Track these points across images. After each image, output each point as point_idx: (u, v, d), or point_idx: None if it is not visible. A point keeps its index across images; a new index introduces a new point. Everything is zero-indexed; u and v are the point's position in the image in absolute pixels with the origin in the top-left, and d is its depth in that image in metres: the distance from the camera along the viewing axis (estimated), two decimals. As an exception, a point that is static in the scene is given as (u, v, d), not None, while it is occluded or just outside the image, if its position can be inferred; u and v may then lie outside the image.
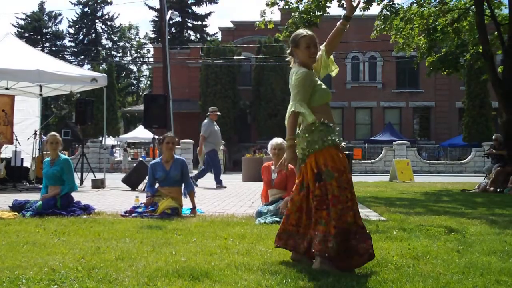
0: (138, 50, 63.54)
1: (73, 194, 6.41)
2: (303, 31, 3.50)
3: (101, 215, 6.11)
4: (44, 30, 56.62)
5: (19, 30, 54.77)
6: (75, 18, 57.22)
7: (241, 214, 6.24)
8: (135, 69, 63.25)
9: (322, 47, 3.54)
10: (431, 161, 27.56)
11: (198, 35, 53.89)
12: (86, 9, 57.15)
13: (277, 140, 5.60)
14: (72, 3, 55.81)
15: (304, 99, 3.30)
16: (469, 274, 3.08)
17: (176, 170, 6.25)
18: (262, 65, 31.47)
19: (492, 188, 10.77)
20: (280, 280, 2.92)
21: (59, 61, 12.51)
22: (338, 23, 3.50)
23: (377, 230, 4.82)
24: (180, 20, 52.64)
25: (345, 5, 3.49)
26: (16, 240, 4.21)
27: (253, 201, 8.16)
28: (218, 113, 12.02)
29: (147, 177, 7.21)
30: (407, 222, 5.43)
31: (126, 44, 63.18)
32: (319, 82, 3.44)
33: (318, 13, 11.68)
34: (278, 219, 5.07)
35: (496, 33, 12.53)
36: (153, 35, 56.43)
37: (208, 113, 11.74)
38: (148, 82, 60.45)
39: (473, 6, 12.52)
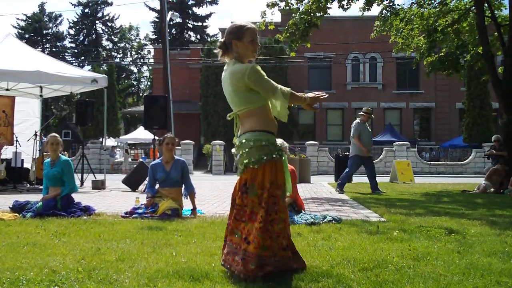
0: (139, 51, 63.61)
1: (73, 195, 6.42)
2: (246, 23, 3.18)
3: (101, 216, 6.11)
4: (44, 31, 56.66)
5: (20, 31, 54.84)
6: (75, 19, 57.30)
7: (241, 215, 6.23)
8: (135, 70, 63.37)
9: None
10: (431, 162, 27.55)
11: (198, 36, 53.93)
12: (86, 10, 57.21)
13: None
14: (72, 4, 55.95)
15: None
16: (470, 275, 3.08)
17: (177, 171, 6.25)
18: (262, 66, 31.37)
19: (492, 189, 10.77)
20: (281, 281, 2.92)
21: (59, 62, 12.53)
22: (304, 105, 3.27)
23: (377, 231, 4.82)
24: (181, 21, 52.70)
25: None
26: (16, 241, 4.21)
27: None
28: (372, 116, 10.99)
29: (147, 178, 7.22)
30: (407, 223, 5.43)
31: (127, 45, 63.22)
32: None
33: (319, 14, 11.69)
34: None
35: (496, 34, 12.53)
36: (154, 36, 56.52)
37: (361, 113, 10.87)
38: (149, 83, 60.50)
39: (474, 7, 12.53)
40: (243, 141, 3.11)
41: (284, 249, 3.04)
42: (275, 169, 3.08)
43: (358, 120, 10.73)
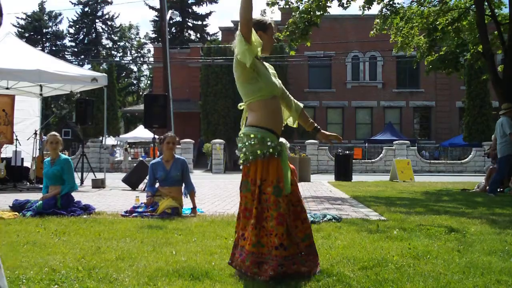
0: (139, 50, 63.57)
1: (73, 194, 6.42)
2: (267, 18, 3.16)
3: (101, 215, 6.12)
4: (44, 30, 56.60)
5: (20, 30, 54.78)
6: (75, 18, 57.24)
7: (241, 213, 6.23)
8: (135, 69, 63.31)
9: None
10: (431, 161, 27.56)
11: (198, 35, 53.87)
12: (86, 9, 57.14)
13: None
14: (72, 3, 55.88)
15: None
16: (470, 274, 3.08)
17: (177, 170, 6.26)
18: (262, 65, 31.42)
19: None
20: (281, 281, 2.92)
21: (59, 61, 12.52)
22: (310, 128, 3.45)
23: (377, 229, 4.82)
24: (181, 19, 52.63)
25: None
26: (16, 240, 4.21)
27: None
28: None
29: (147, 177, 7.22)
30: (407, 222, 5.43)
31: (127, 44, 63.15)
32: (265, 68, 3.12)
33: (319, 13, 11.68)
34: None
35: (496, 32, 12.52)
36: (153, 35, 56.43)
37: (502, 111, 10.17)
38: (149, 82, 60.46)
39: (473, 6, 12.52)
40: (241, 134, 3.13)
41: (277, 248, 2.91)
42: (267, 166, 3.02)
43: (504, 118, 9.97)
